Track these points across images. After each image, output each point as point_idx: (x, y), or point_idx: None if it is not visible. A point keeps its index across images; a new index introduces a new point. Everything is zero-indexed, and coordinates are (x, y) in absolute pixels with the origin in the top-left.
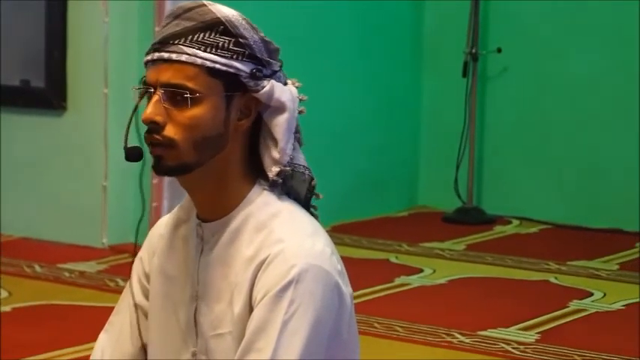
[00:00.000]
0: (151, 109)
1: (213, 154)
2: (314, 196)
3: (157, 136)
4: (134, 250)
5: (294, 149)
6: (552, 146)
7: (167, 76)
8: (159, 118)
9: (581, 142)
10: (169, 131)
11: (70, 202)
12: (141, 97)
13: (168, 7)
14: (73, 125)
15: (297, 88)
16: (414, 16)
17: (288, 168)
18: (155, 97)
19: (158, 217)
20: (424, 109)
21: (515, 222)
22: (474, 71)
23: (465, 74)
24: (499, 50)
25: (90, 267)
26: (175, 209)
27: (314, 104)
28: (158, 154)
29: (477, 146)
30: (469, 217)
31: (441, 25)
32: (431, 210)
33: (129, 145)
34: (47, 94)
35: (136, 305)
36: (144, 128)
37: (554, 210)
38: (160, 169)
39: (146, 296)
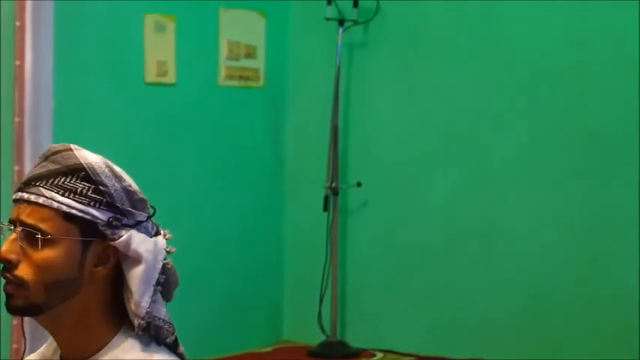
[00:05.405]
0: (5, 247)
1: (65, 298)
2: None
3: (9, 275)
4: None
5: (154, 302)
6: (413, 278)
7: (24, 215)
8: (12, 256)
9: (441, 273)
10: (21, 270)
11: None
12: None
13: (28, 144)
14: None
15: (167, 239)
16: (273, 150)
17: (143, 322)
18: (13, 235)
19: (19, 358)
20: (287, 244)
21: (380, 355)
22: (335, 205)
23: (325, 208)
24: (359, 184)
25: None
26: (43, 347)
27: (173, 240)
28: (9, 292)
29: (340, 279)
30: (333, 351)
31: (301, 159)
32: (295, 344)
33: None
34: None
35: None
36: None
37: (418, 341)
38: (9, 307)
39: None
